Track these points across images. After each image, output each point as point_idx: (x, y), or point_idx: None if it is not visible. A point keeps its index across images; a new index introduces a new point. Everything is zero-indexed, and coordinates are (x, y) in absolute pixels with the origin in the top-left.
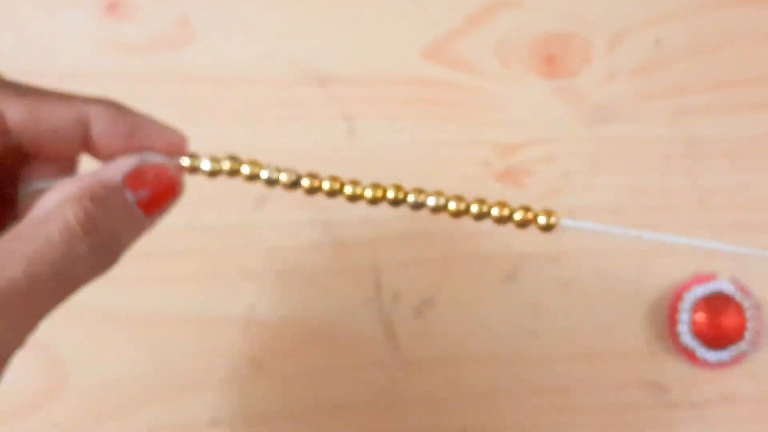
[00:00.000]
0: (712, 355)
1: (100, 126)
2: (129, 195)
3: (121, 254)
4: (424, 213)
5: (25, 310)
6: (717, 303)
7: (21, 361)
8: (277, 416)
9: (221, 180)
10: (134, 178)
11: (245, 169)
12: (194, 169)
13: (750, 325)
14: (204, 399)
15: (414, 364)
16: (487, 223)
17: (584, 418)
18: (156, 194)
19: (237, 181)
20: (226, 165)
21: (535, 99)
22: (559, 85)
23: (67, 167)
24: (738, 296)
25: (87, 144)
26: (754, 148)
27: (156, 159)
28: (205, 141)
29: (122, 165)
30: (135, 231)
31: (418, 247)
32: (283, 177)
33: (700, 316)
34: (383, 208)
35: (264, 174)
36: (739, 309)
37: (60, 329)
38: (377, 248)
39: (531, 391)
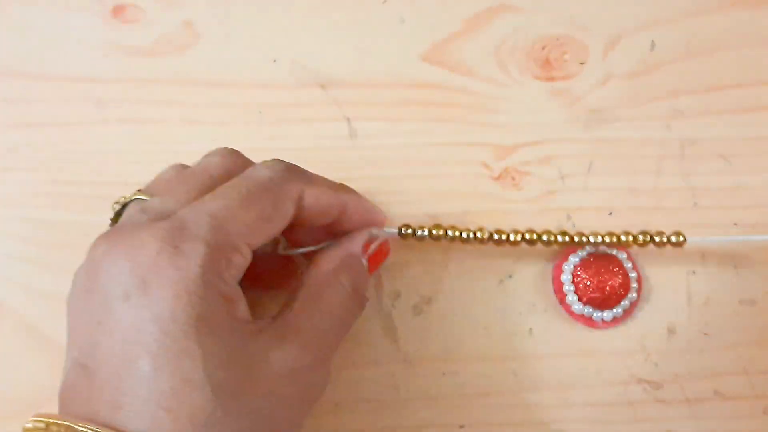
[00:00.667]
0: (607, 315)
1: (351, 209)
2: (363, 260)
3: (365, 303)
4: (423, 213)
5: (327, 349)
6: (594, 265)
7: (28, 357)
8: None
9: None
10: (364, 246)
11: (449, 233)
12: (406, 236)
13: (632, 274)
14: None
15: (413, 362)
16: (486, 223)
17: (579, 414)
18: (375, 256)
19: None
20: (429, 232)
21: (532, 101)
22: (556, 88)
23: (319, 235)
24: (621, 257)
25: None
26: (747, 149)
27: (377, 232)
28: (209, 142)
29: (359, 238)
30: (367, 285)
31: (418, 247)
32: (478, 234)
33: (584, 283)
34: (384, 208)
35: (464, 234)
36: (617, 263)
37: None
38: None
39: (527, 388)
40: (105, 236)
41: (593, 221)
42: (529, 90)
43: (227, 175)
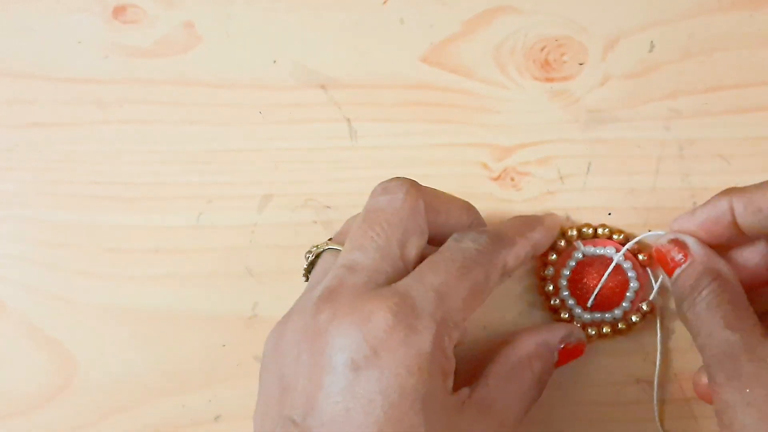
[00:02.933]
0: (586, 315)
1: (539, 247)
2: (555, 353)
3: (542, 393)
4: None
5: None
6: (593, 266)
7: (29, 357)
8: None
9: (223, 181)
10: (562, 341)
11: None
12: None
13: (629, 295)
14: (209, 395)
15: None
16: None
17: (578, 413)
18: (568, 353)
19: (239, 183)
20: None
21: (531, 102)
22: (555, 89)
23: None
24: (622, 261)
25: None
26: (746, 149)
27: (578, 333)
28: (209, 143)
29: (559, 331)
30: (550, 375)
31: None
32: None
33: (583, 284)
34: None
35: None
36: (620, 274)
37: (68, 326)
38: None
39: None
40: (327, 301)
41: (592, 222)
42: (528, 91)
43: (414, 218)
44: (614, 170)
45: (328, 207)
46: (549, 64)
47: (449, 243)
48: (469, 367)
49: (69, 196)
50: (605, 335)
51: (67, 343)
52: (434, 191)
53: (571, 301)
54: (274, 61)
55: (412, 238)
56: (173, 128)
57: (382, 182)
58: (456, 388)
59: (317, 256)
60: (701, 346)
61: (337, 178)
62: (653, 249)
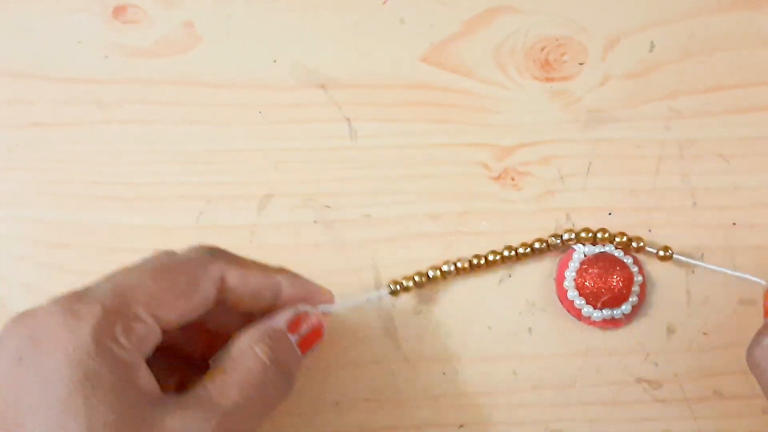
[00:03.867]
0: (597, 314)
1: (286, 291)
2: (291, 337)
3: (295, 381)
4: (423, 213)
5: (243, 427)
6: (598, 264)
7: None
8: (278, 412)
9: (223, 181)
10: (293, 324)
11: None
12: (396, 293)
13: (635, 288)
14: None
15: (413, 362)
16: (484, 224)
17: (579, 413)
18: (308, 337)
19: (239, 183)
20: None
21: (531, 102)
22: (555, 89)
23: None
24: (622, 257)
25: (275, 302)
26: (746, 149)
27: (306, 308)
28: (209, 142)
29: (285, 315)
30: (297, 363)
31: (418, 247)
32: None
33: (588, 282)
34: (384, 208)
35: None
36: (620, 263)
37: None
38: (377, 248)
39: (527, 387)
40: (15, 318)
41: (593, 221)
42: (528, 91)
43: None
44: (614, 170)
45: (328, 207)
46: (549, 64)
47: (169, 250)
48: None
49: (69, 196)
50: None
51: None
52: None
53: (580, 302)
54: (274, 61)
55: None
56: (173, 128)
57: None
58: None
59: None
60: None
61: (337, 178)
62: (764, 293)
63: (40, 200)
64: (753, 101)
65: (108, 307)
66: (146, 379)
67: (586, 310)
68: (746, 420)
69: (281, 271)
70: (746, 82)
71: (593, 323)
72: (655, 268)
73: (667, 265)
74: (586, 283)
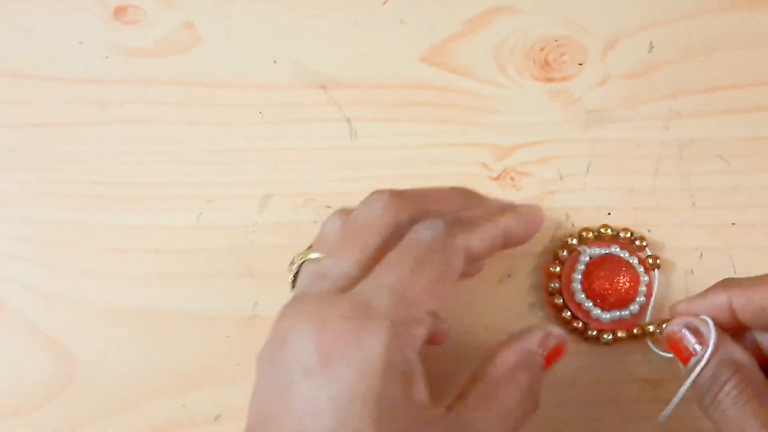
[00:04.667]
0: (606, 316)
1: (513, 234)
2: (539, 357)
3: (539, 403)
4: None
5: None
6: (605, 265)
7: (30, 356)
8: None
9: (223, 181)
10: (542, 344)
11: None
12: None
13: (642, 288)
14: (209, 395)
15: None
16: None
17: (578, 413)
18: (553, 355)
19: (239, 183)
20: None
21: (531, 102)
22: (555, 89)
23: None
24: (628, 257)
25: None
26: (745, 149)
27: (557, 332)
28: (209, 143)
29: (537, 335)
30: (540, 381)
31: None
32: None
33: (591, 279)
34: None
35: None
36: (627, 264)
37: (68, 326)
38: None
39: None
40: (291, 307)
41: (592, 221)
42: (528, 91)
43: (393, 228)
44: (614, 170)
45: (328, 207)
46: (549, 64)
47: (406, 236)
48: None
49: (69, 196)
50: (620, 339)
51: (67, 343)
52: (419, 193)
53: (588, 304)
54: (274, 61)
55: (381, 242)
56: (173, 128)
57: (366, 197)
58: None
59: (300, 266)
60: None
61: (337, 178)
62: (665, 335)
63: (40, 200)
64: (753, 101)
65: (395, 321)
66: (421, 391)
67: (596, 312)
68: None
69: (502, 212)
70: (746, 82)
71: (602, 325)
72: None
73: (666, 265)
74: (594, 286)
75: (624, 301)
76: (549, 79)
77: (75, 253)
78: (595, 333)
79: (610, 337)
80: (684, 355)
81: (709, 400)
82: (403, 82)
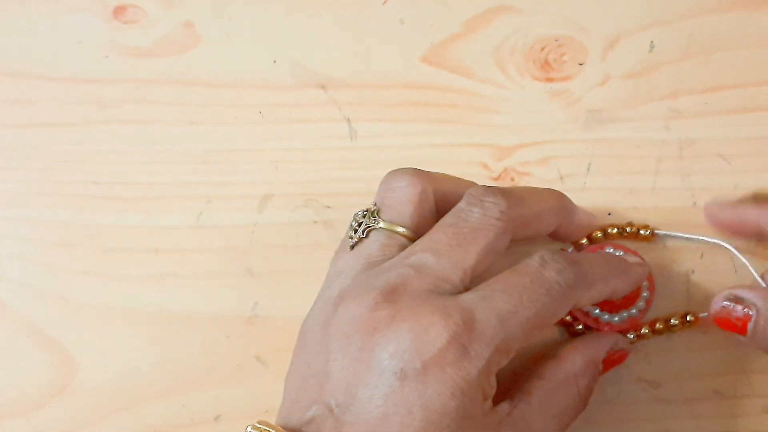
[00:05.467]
0: (616, 318)
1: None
2: (600, 366)
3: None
4: None
5: None
6: None
7: (29, 357)
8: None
9: (223, 181)
10: (608, 353)
11: None
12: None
13: (645, 283)
14: (209, 395)
15: None
16: None
17: None
18: (612, 362)
19: (239, 183)
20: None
21: (531, 102)
22: (555, 89)
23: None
24: (625, 257)
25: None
26: (746, 149)
27: (622, 341)
28: (209, 143)
29: (606, 344)
30: (595, 385)
31: None
32: None
33: None
34: None
35: None
36: None
37: (68, 326)
38: None
39: None
40: (388, 299)
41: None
42: (528, 91)
43: (496, 245)
44: (614, 170)
45: (328, 207)
46: (549, 64)
47: (532, 263)
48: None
49: (69, 196)
50: (644, 335)
51: (67, 343)
52: (522, 196)
53: (596, 311)
54: (274, 61)
55: (490, 256)
56: (173, 128)
57: (473, 190)
58: (495, 400)
59: (366, 227)
60: None
61: (337, 178)
62: (712, 318)
63: (40, 200)
64: (753, 101)
65: (493, 349)
66: (491, 403)
67: (605, 317)
68: (746, 420)
69: (615, 268)
70: (746, 82)
71: (614, 328)
72: (654, 268)
73: (667, 265)
74: None
75: (629, 301)
76: (549, 79)
77: (75, 253)
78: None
79: (633, 336)
80: (739, 327)
81: None
82: (403, 82)
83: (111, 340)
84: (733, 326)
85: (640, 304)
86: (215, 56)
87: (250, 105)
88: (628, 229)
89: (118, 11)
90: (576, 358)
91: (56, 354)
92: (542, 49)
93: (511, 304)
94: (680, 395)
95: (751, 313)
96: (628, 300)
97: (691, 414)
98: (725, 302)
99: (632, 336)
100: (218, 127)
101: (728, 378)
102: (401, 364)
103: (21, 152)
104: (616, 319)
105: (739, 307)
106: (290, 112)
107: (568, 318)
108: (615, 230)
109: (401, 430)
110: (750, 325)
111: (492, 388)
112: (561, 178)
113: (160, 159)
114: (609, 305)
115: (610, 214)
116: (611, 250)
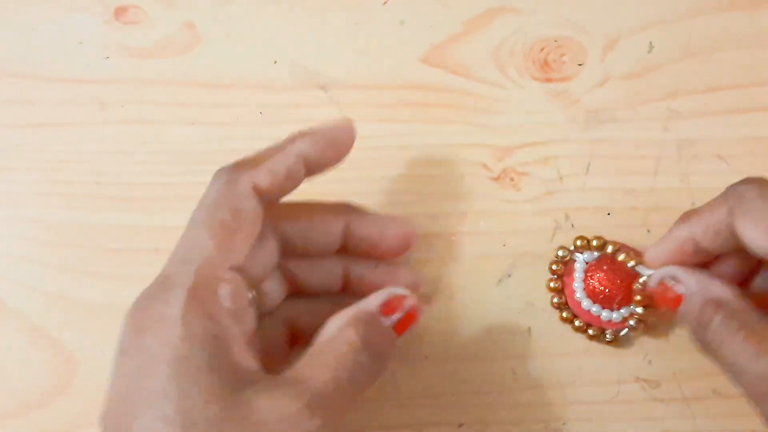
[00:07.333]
0: (616, 315)
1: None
2: (384, 320)
3: (387, 363)
4: (423, 213)
5: (334, 409)
6: (606, 265)
7: (30, 356)
8: None
9: None
10: (386, 307)
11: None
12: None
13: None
14: None
15: (413, 361)
16: (484, 224)
17: (577, 412)
18: (403, 320)
19: None
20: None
21: (530, 103)
22: (554, 89)
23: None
24: (623, 257)
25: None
26: (745, 150)
27: (399, 291)
28: (209, 143)
29: (377, 298)
30: (390, 346)
31: (417, 247)
32: None
33: (593, 283)
34: (383, 208)
35: None
36: (624, 268)
37: (69, 325)
38: None
39: (526, 386)
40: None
41: (592, 222)
42: (527, 91)
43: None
44: (613, 170)
45: None
46: (548, 64)
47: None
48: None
49: (69, 196)
50: (610, 342)
51: (67, 343)
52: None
53: (594, 308)
54: (274, 62)
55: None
56: (173, 128)
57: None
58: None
59: None
60: (738, 382)
61: (337, 178)
62: (651, 292)
63: (40, 200)
64: (753, 101)
65: (190, 286)
66: (241, 354)
67: (605, 314)
68: (745, 420)
69: (293, 140)
70: (746, 82)
71: (615, 325)
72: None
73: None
74: (597, 289)
75: (630, 298)
76: (549, 80)
77: (75, 253)
78: (593, 332)
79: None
80: (673, 306)
81: (703, 343)
82: (403, 82)
83: (111, 340)
84: (667, 302)
85: (625, 311)
86: (215, 56)
87: (250, 105)
88: (610, 248)
89: (119, 12)
90: (341, 315)
91: (56, 354)
92: (542, 50)
93: (188, 241)
94: (679, 395)
95: (682, 292)
96: (629, 297)
97: (690, 414)
98: (664, 279)
99: (633, 323)
100: (218, 127)
101: (727, 378)
102: (121, 344)
103: (21, 152)
104: (614, 316)
105: (677, 286)
106: (290, 112)
107: (567, 315)
108: (599, 242)
109: (132, 402)
110: (681, 307)
111: (225, 330)
112: (560, 178)
113: (160, 159)
114: (610, 303)
115: (609, 214)
116: (609, 250)
